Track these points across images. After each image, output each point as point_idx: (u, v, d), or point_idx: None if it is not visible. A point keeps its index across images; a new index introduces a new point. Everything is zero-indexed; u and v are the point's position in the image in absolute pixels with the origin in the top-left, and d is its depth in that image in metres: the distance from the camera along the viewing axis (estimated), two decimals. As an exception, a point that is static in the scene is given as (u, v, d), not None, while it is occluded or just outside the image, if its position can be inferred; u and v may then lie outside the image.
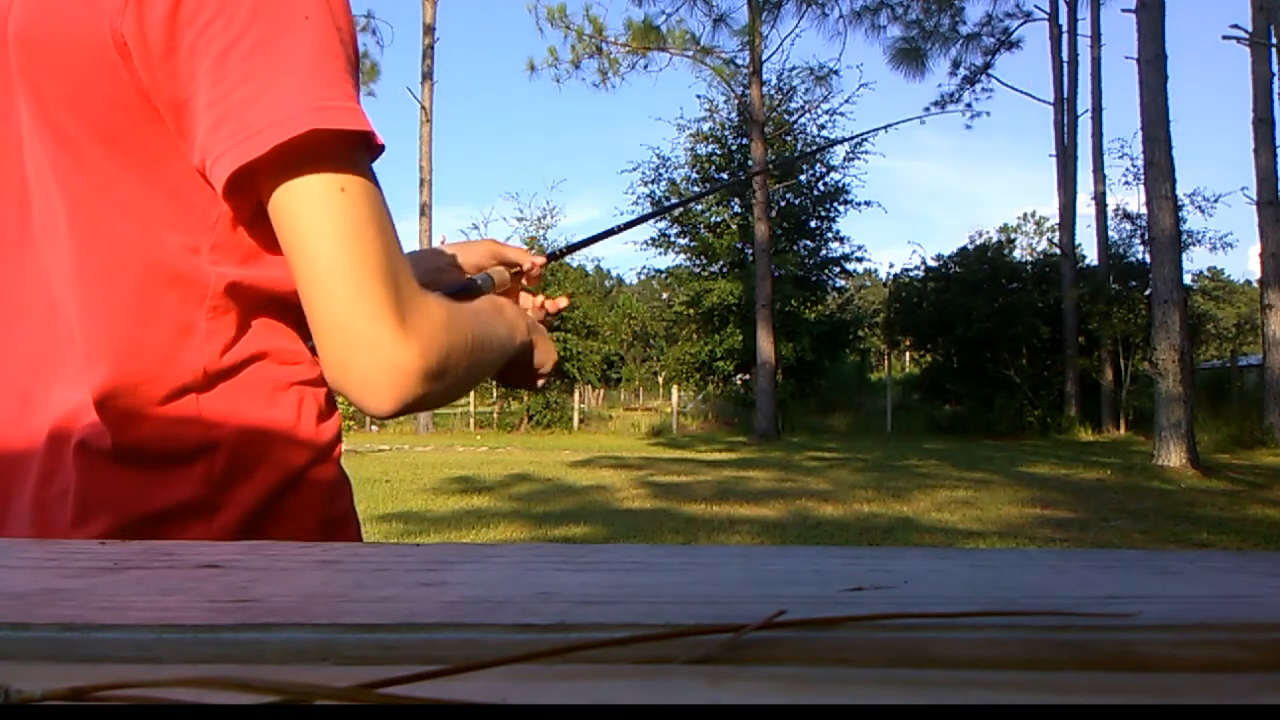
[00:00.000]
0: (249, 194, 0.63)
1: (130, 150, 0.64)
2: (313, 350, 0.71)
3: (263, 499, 0.67)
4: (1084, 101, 18.71)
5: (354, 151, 0.62)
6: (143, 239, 0.64)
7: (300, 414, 0.70)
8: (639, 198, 21.51)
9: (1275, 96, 13.47)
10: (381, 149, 0.64)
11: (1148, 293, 13.92)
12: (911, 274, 20.07)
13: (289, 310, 0.70)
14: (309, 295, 0.62)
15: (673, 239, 21.35)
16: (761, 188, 16.55)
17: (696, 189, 21.10)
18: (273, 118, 0.59)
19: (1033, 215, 34.74)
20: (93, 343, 0.64)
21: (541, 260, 0.99)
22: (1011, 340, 17.79)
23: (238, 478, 0.66)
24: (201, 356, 0.65)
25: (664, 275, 22.69)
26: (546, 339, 0.89)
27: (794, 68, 25.15)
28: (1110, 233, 18.52)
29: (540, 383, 0.92)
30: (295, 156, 0.60)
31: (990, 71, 20.50)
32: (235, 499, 0.66)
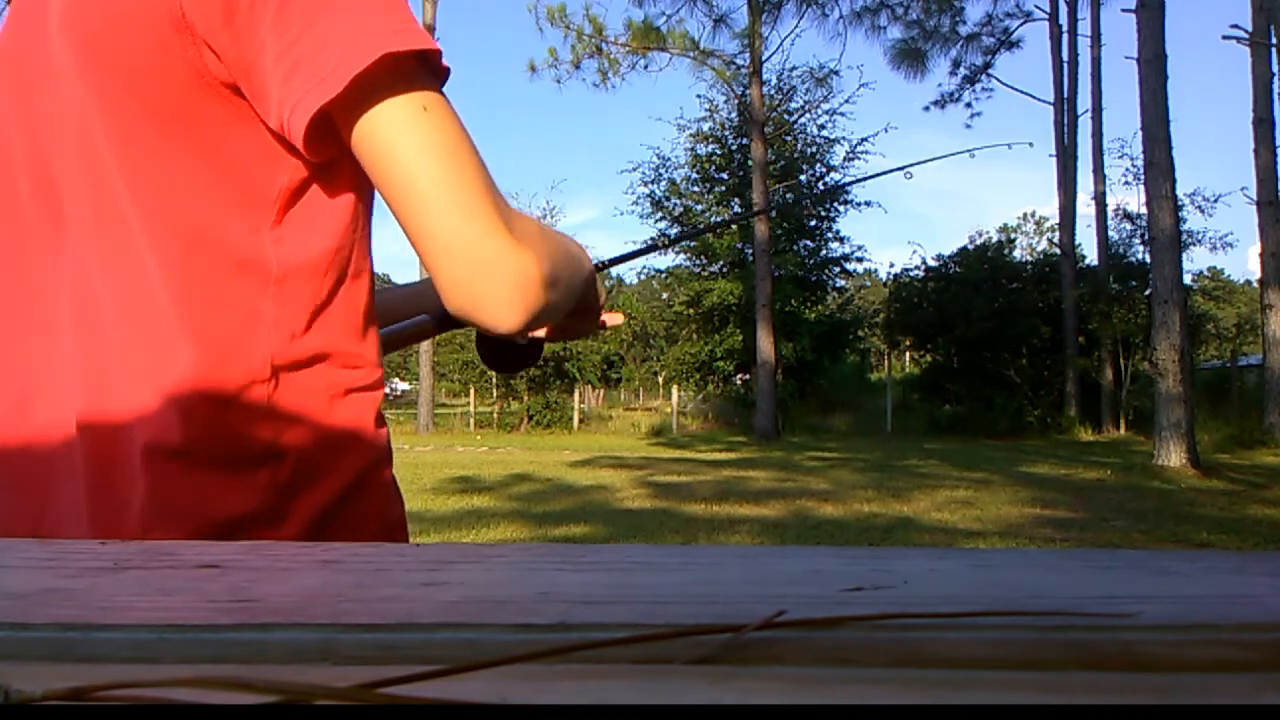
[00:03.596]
0: (319, 149, 0.62)
1: (187, 130, 0.63)
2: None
3: (328, 506, 0.66)
4: (1084, 101, 18.75)
5: (428, 74, 0.62)
6: (209, 223, 0.63)
7: (360, 420, 0.69)
8: (639, 198, 21.57)
9: (1275, 96, 13.48)
10: (448, 73, 0.64)
11: (1148, 293, 13.91)
12: (911, 274, 20.08)
13: (350, 307, 0.69)
14: (416, 220, 0.61)
15: (672, 239, 21.34)
16: (761, 188, 16.54)
17: (696, 189, 21.11)
18: (344, 53, 0.59)
19: (1033, 215, 34.82)
20: (168, 334, 0.63)
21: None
22: (1011, 340, 17.79)
23: (303, 485, 0.65)
24: (269, 346, 0.64)
25: (664, 275, 22.71)
26: (597, 279, 0.91)
27: (794, 68, 25.23)
28: (1110, 233, 18.55)
29: (594, 326, 0.95)
30: (372, 85, 0.60)
31: (990, 71, 20.53)
32: (301, 507, 0.65)
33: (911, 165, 1.44)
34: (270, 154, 0.64)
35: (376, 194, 0.67)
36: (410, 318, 0.91)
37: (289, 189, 0.65)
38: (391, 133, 0.60)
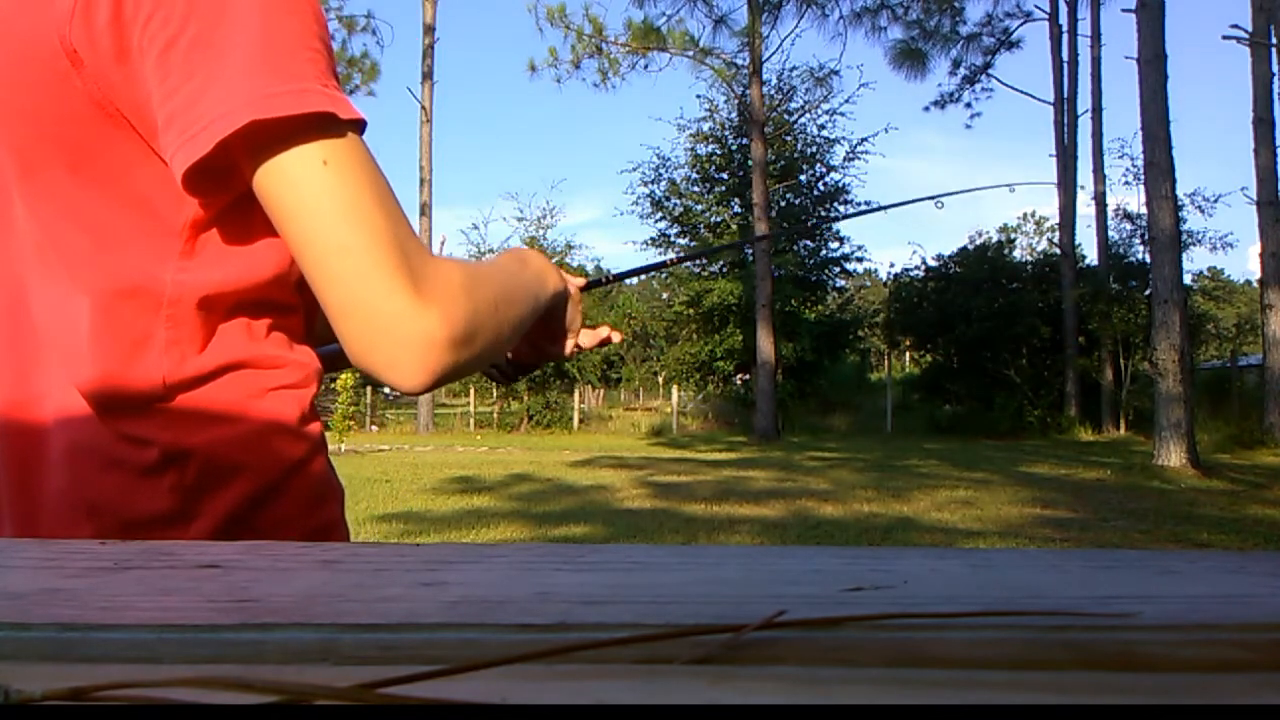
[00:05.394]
0: (216, 191, 0.62)
1: (89, 164, 0.63)
2: (328, 336, 0.69)
3: (238, 508, 0.66)
4: (1084, 101, 18.75)
5: (324, 126, 0.59)
6: (98, 254, 0.63)
7: (279, 421, 0.68)
8: (639, 198, 21.60)
9: (1275, 96, 13.48)
10: (359, 121, 0.61)
11: (1148, 293, 13.92)
12: (911, 274, 20.09)
13: (270, 311, 0.69)
14: (315, 279, 0.59)
15: (673, 239, 21.39)
16: (761, 189, 16.54)
17: (696, 189, 21.12)
18: (216, 113, 0.56)
19: (1033, 215, 34.84)
20: (76, 347, 0.64)
21: (580, 283, 0.94)
22: (1011, 340, 17.79)
23: (210, 487, 0.65)
24: (160, 367, 0.64)
25: (664, 275, 22.69)
26: (575, 300, 0.88)
27: (794, 68, 25.27)
28: (1110, 233, 18.56)
29: (568, 350, 0.91)
30: (263, 141, 0.57)
31: (990, 71, 20.54)
32: (209, 508, 0.65)
33: (944, 195, 1.42)
34: (175, 187, 0.61)
35: None
36: None
37: (198, 220, 0.64)
38: (286, 189, 0.58)
